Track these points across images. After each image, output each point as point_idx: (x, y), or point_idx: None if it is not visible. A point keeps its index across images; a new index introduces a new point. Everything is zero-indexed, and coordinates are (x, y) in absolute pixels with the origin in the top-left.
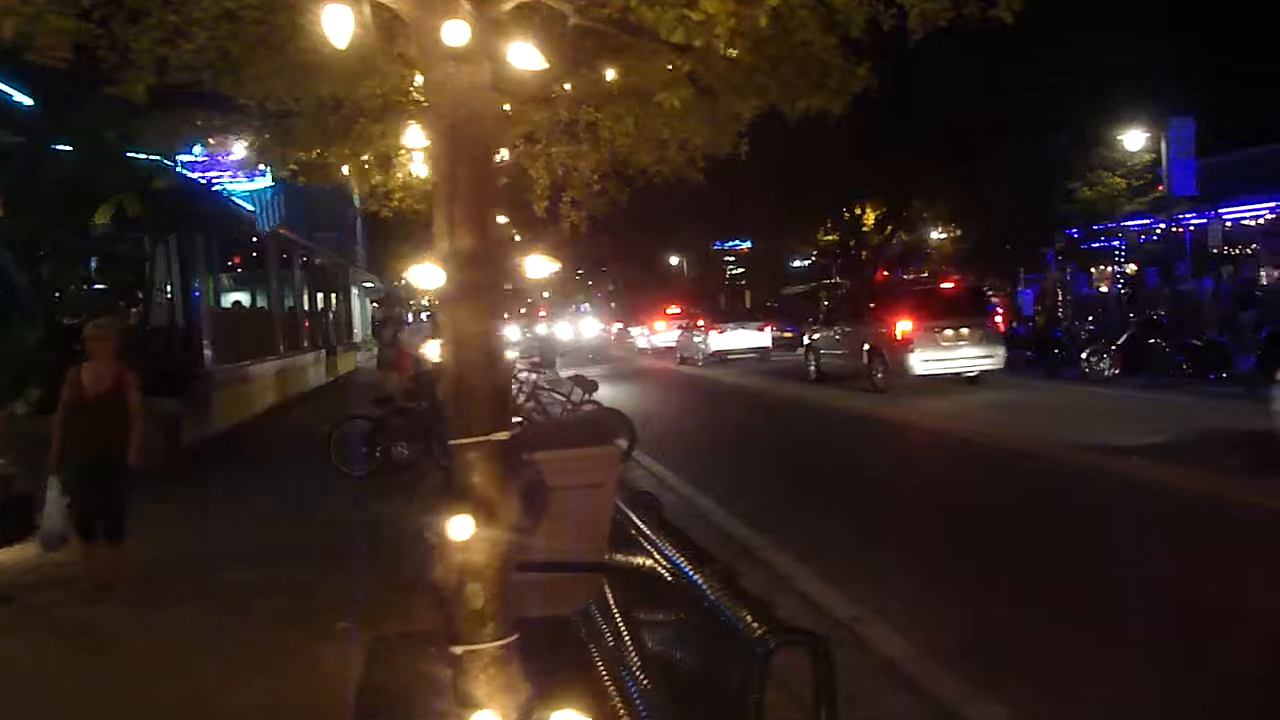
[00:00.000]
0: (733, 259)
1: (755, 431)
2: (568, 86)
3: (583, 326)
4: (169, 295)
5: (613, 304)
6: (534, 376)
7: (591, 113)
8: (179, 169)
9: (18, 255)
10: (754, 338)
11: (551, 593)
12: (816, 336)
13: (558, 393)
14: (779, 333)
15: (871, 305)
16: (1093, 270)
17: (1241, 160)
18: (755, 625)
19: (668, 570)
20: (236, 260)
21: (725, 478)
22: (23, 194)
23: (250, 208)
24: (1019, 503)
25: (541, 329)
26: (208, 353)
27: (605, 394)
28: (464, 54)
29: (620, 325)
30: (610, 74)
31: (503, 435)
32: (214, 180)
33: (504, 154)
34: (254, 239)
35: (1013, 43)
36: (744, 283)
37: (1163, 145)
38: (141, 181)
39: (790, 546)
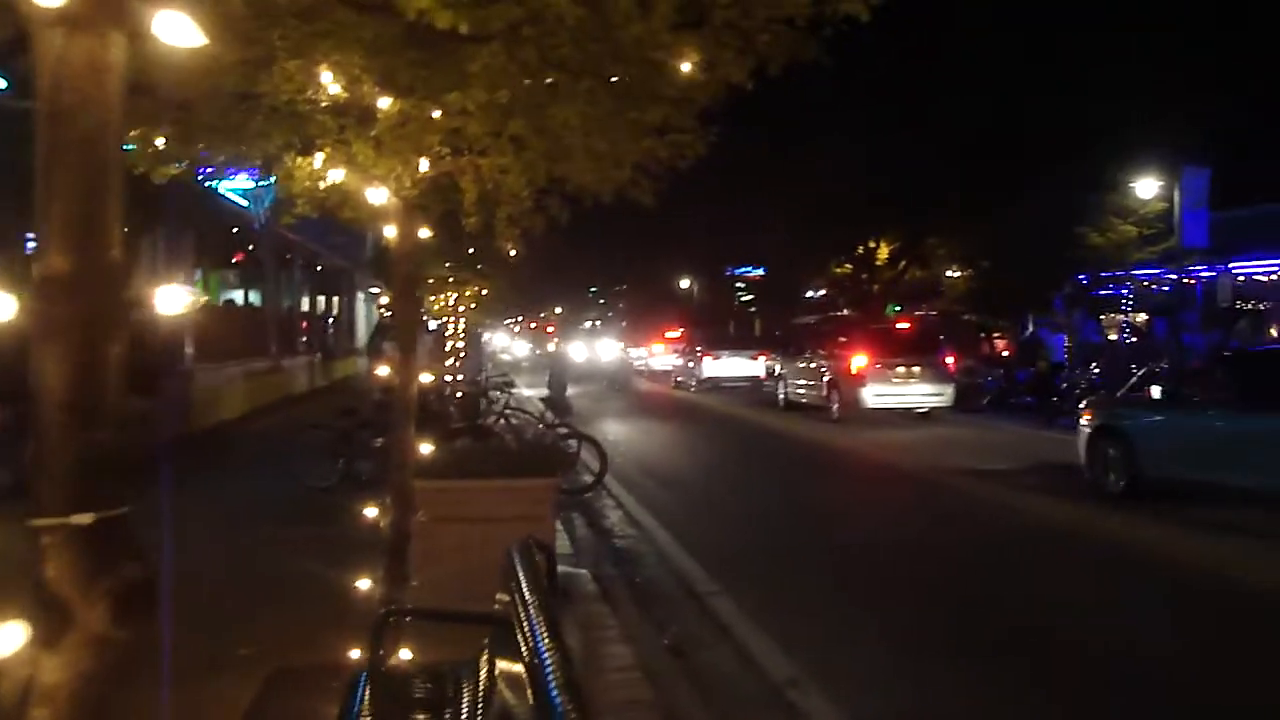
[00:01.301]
0: (743, 285)
1: (721, 456)
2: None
3: (600, 347)
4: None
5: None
6: (504, 396)
7: (517, 124)
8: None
9: None
10: (747, 366)
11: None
12: (783, 369)
13: (526, 412)
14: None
15: (831, 340)
16: (1102, 318)
17: (1257, 215)
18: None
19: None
20: (238, 258)
21: (685, 506)
22: None
23: (245, 204)
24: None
25: (551, 348)
26: (188, 351)
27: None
28: (76, 18)
29: (622, 346)
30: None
31: (86, 518)
32: (206, 175)
33: (424, 164)
34: (251, 237)
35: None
36: (754, 310)
37: (1176, 195)
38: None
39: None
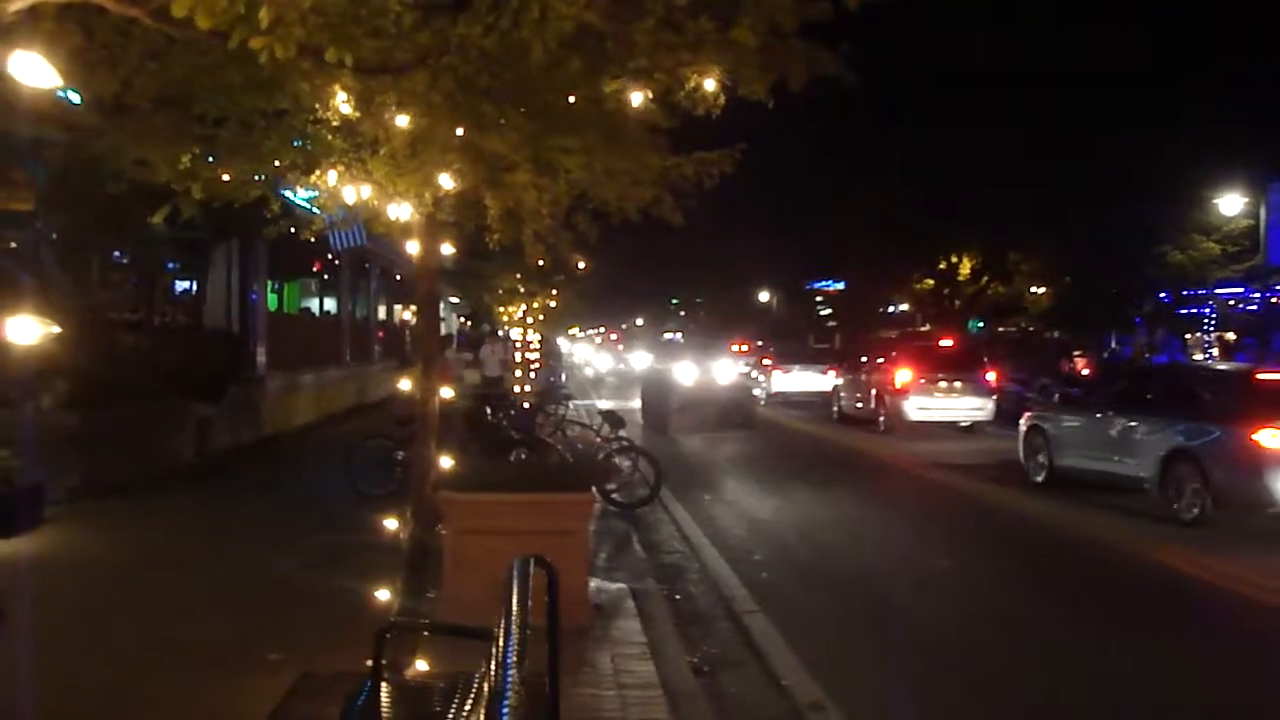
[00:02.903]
0: (821, 299)
1: (774, 463)
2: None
3: (717, 368)
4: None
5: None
6: (562, 410)
7: (555, 143)
8: None
9: (59, 252)
10: (816, 380)
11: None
12: (839, 382)
13: (583, 424)
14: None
15: (879, 357)
16: (1187, 337)
17: None
18: None
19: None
20: (317, 266)
21: (730, 517)
22: (62, 189)
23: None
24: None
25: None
26: (261, 358)
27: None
28: None
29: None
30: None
31: None
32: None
33: (446, 181)
34: (337, 248)
35: (1116, 95)
36: (833, 324)
37: (1261, 211)
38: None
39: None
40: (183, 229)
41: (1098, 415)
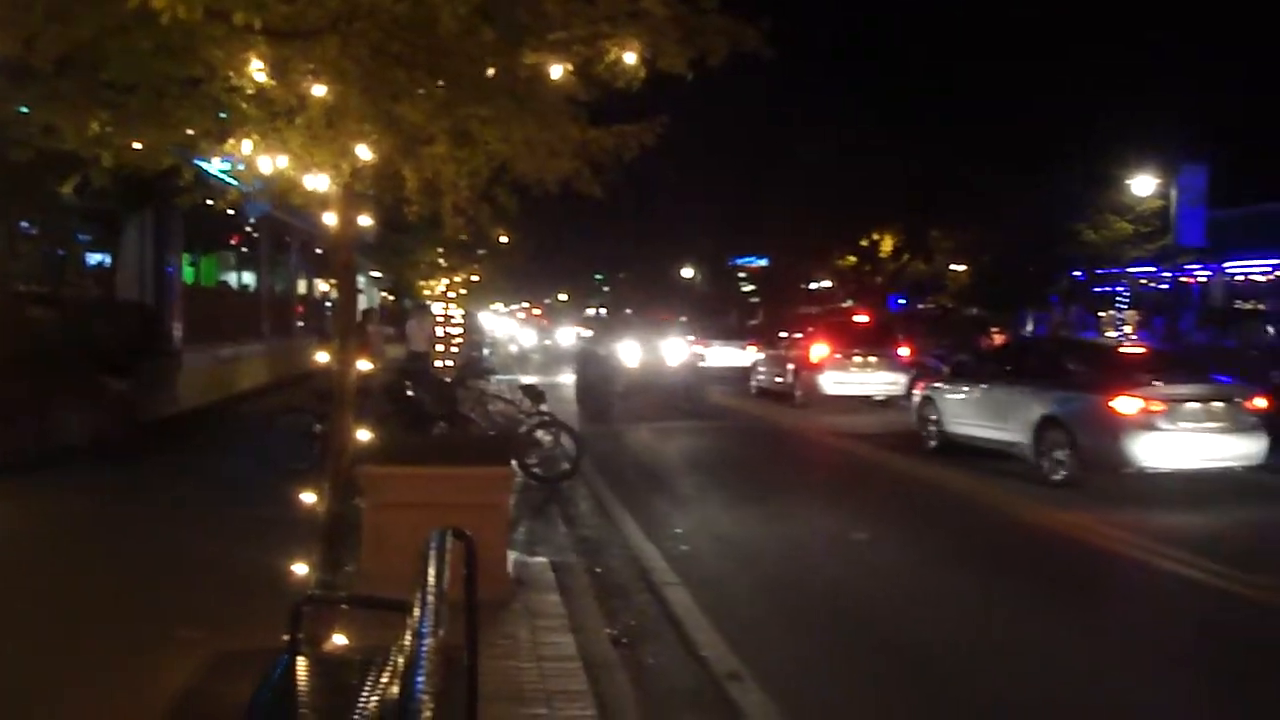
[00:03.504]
0: (745, 275)
1: (694, 436)
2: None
3: (666, 347)
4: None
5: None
6: (483, 385)
7: (468, 112)
8: None
9: None
10: (737, 356)
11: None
12: (760, 357)
13: (505, 400)
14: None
15: (798, 333)
16: (1101, 315)
17: (1255, 215)
18: None
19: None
20: (235, 239)
21: (644, 479)
22: None
23: (234, 184)
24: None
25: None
26: (177, 332)
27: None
28: None
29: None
30: None
31: None
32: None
33: (364, 152)
34: (249, 219)
35: (1031, 78)
36: (757, 300)
37: (1172, 192)
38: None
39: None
40: (94, 199)
41: (982, 386)
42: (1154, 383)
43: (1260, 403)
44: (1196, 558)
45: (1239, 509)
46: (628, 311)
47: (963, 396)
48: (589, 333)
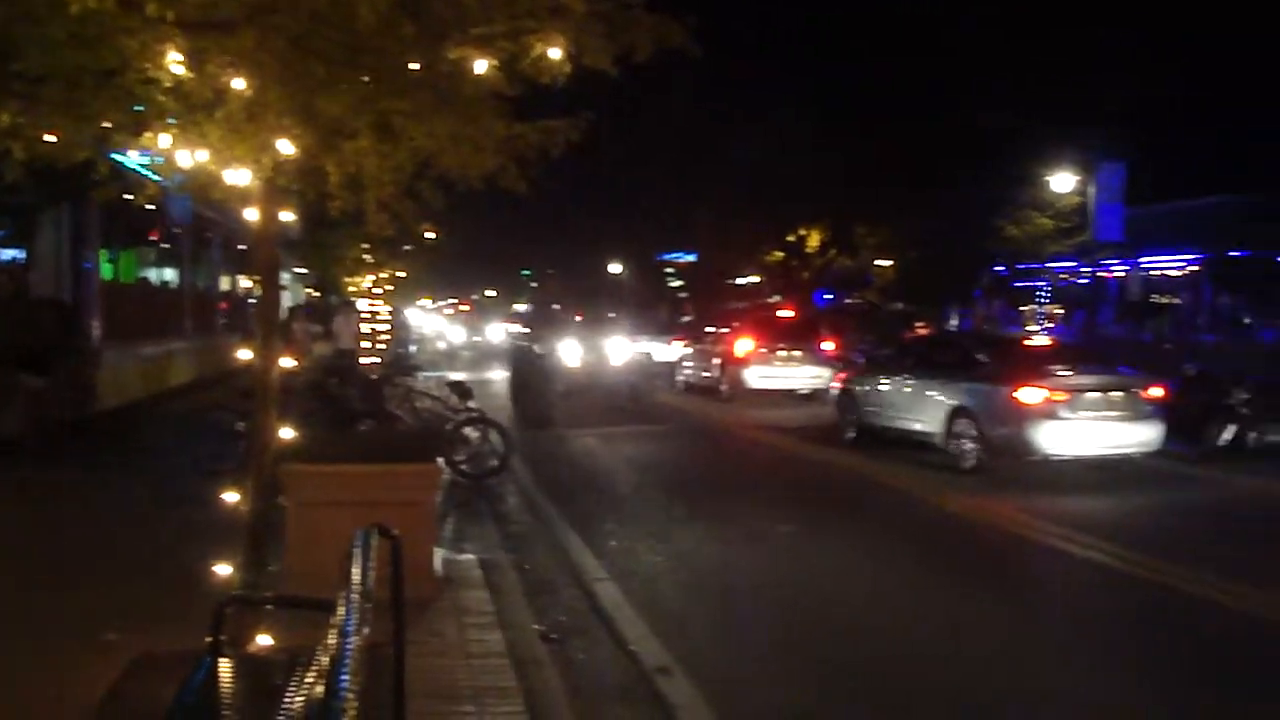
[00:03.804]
0: (672, 270)
1: (617, 428)
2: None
3: (609, 347)
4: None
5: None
6: (410, 381)
7: (388, 106)
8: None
9: None
10: (664, 351)
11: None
12: (687, 352)
13: (433, 397)
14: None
15: (723, 328)
16: (1022, 309)
17: (1167, 212)
18: None
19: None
20: (155, 235)
21: (573, 481)
22: None
23: (153, 178)
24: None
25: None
26: (96, 328)
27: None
28: None
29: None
30: None
31: None
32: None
33: (286, 146)
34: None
35: (955, 76)
36: (685, 295)
37: (1091, 189)
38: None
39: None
40: (7, 193)
41: (896, 378)
42: (1056, 374)
43: (1156, 392)
44: (1096, 540)
45: (1136, 494)
46: (555, 307)
47: (879, 389)
48: (524, 330)
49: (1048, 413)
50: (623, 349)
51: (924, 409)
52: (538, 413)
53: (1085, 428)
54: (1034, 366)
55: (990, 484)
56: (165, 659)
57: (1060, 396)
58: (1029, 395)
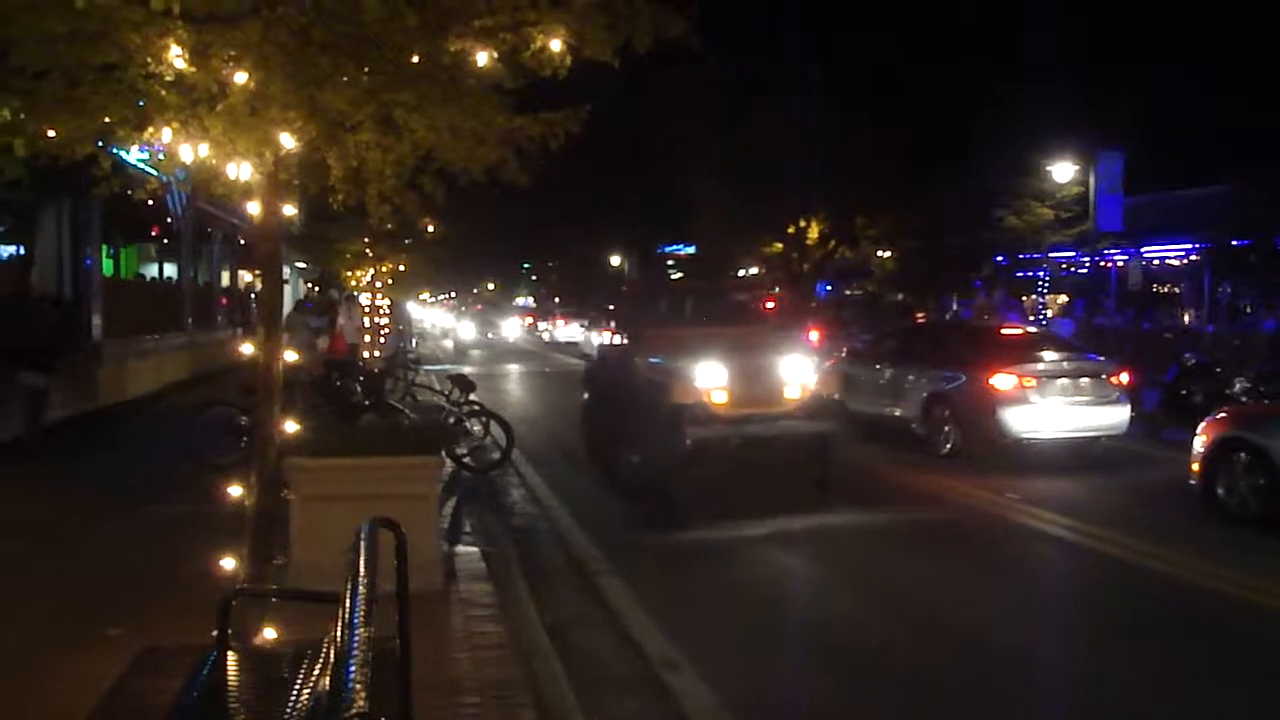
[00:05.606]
0: (673, 263)
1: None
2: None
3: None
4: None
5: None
6: (411, 375)
7: (391, 98)
8: None
9: None
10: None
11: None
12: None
13: (434, 390)
14: None
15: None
16: (1024, 299)
17: (1168, 201)
18: None
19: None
20: (156, 231)
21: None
22: None
23: (154, 174)
24: None
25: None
26: (97, 325)
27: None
28: None
29: (531, 320)
30: None
31: None
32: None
33: (288, 140)
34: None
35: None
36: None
37: (1091, 179)
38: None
39: None
40: (7, 189)
41: (876, 366)
42: (1027, 361)
43: (1124, 377)
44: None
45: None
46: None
47: (860, 376)
48: (620, 338)
49: (1019, 398)
50: (800, 372)
51: (903, 396)
52: (660, 465)
53: (1055, 411)
54: (1006, 354)
55: (966, 466)
56: (171, 653)
57: (1031, 382)
58: (1001, 381)
